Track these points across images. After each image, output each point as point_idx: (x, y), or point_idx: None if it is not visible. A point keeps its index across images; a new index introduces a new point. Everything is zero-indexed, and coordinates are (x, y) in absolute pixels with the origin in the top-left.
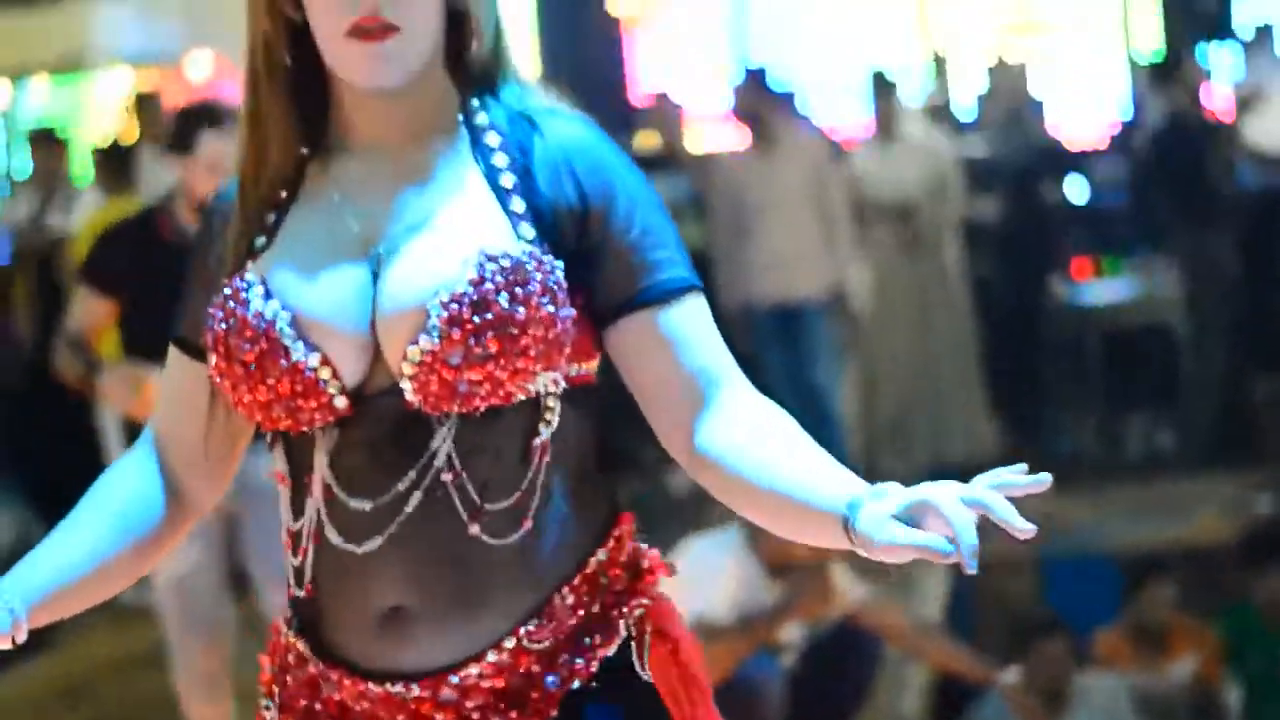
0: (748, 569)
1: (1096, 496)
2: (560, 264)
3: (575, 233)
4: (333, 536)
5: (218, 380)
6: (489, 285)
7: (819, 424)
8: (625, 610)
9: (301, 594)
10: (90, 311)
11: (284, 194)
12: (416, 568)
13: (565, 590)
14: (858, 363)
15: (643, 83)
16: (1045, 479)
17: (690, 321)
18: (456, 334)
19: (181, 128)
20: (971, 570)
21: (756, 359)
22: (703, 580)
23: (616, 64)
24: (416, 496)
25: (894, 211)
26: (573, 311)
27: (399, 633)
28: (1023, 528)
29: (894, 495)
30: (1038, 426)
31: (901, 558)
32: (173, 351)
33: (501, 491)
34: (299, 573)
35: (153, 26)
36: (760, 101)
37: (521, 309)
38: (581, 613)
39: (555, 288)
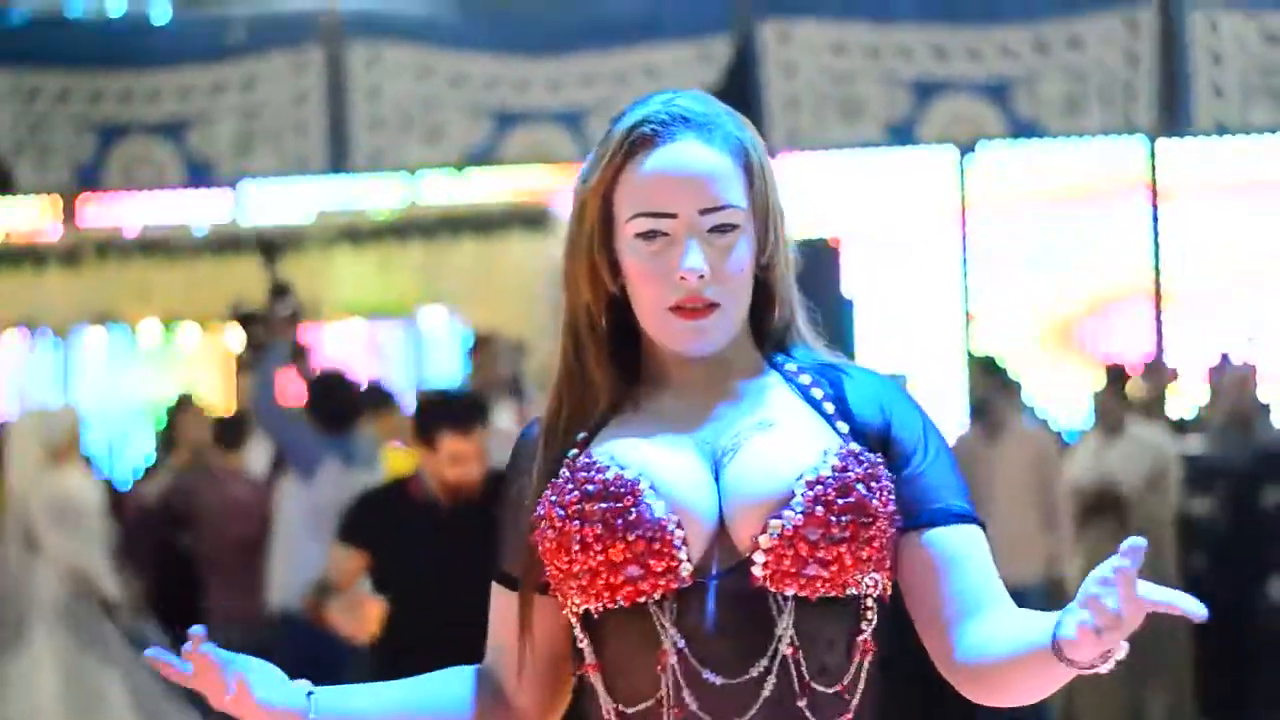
0: None
1: None
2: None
3: (879, 453)
4: (692, 704)
5: (562, 552)
6: (850, 474)
7: (1027, 715)
8: None
9: None
10: (344, 562)
11: (593, 424)
12: None
13: None
14: None
15: (869, 362)
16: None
17: (967, 546)
18: (820, 512)
19: (423, 422)
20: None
21: None
22: None
23: (847, 342)
24: (770, 681)
25: (1112, 504)
26: (900, 518)
27: None
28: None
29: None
30: None
31: (1092, 647)
32: (497, 589)
33: (831, 677)
34: None
35: (388, 280)
36: (989, 389)
37: (876, 500)
38: None
39: (892, 492)
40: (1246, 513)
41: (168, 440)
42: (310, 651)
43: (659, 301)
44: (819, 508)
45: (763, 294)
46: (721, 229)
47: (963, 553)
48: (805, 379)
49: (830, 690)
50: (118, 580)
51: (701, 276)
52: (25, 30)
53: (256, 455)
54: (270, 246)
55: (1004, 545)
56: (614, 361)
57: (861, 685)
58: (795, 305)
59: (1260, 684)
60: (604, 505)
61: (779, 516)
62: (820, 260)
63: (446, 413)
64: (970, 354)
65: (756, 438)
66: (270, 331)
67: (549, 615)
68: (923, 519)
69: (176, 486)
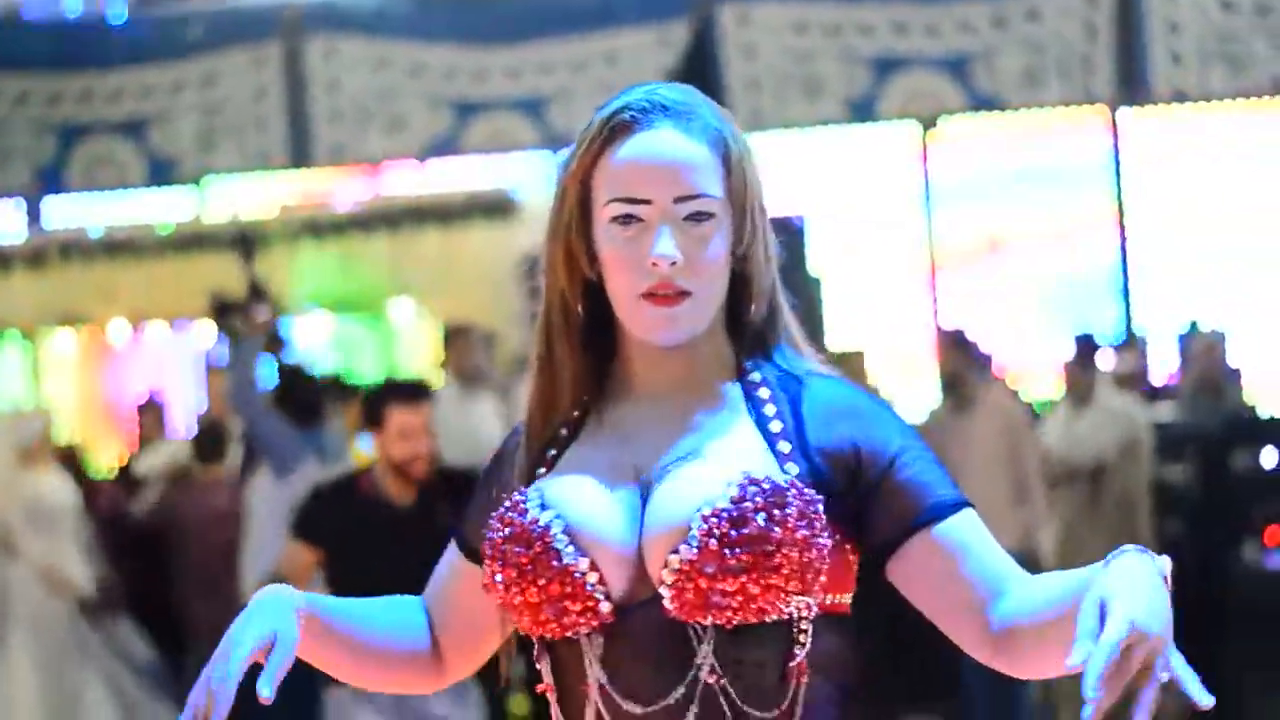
0: None
1: None
2: (821, 499)
3: (846, 477)
4: None
5: (492, 584)
6: (748, 504)
7: (1009, 681)
8: None
9: None
10: (297, 557)
11: (564, 432)
12: None
13: None
14: None
15: (837, 339)
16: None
17: (971, 531)
18: (713, 545)
19: (370, 406)
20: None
21: None
22: None
23: (816, 321)
24: (693, 710)
25: (1084, 473)
26: (829, 541)
27: None
28: (1200, 698)
29: (1109, 581)
30: (1224, 693)
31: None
32: (451, 545)
33: (763, 703)
34: None
35: (353, 273)
36: (959, 362)
37: (778, 529)
38: None
39: (813, 515)
40: (1218, 478)
41: (139, 441)
42: None
43: (632, 288)
44: (712, 541)
45: (741, 287)
46: (697, 218)
47: (971, 538)
48: (764, 393)
49: (766, 715)
50: (93, 580)
51: (674, 264)
52: None
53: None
54: (247, 244)
55: None
56: (587, 353)
57: (801, 708)
58: (778, 300)
59: (1235, 646)
60: (518, 549)
61: (676, 551)
62: (786, 239)
63: (392, 390)
64: (939, 328)
65: (682, 468)
66: (248, 328)
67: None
68: (924, 518)
69: (158, 505)
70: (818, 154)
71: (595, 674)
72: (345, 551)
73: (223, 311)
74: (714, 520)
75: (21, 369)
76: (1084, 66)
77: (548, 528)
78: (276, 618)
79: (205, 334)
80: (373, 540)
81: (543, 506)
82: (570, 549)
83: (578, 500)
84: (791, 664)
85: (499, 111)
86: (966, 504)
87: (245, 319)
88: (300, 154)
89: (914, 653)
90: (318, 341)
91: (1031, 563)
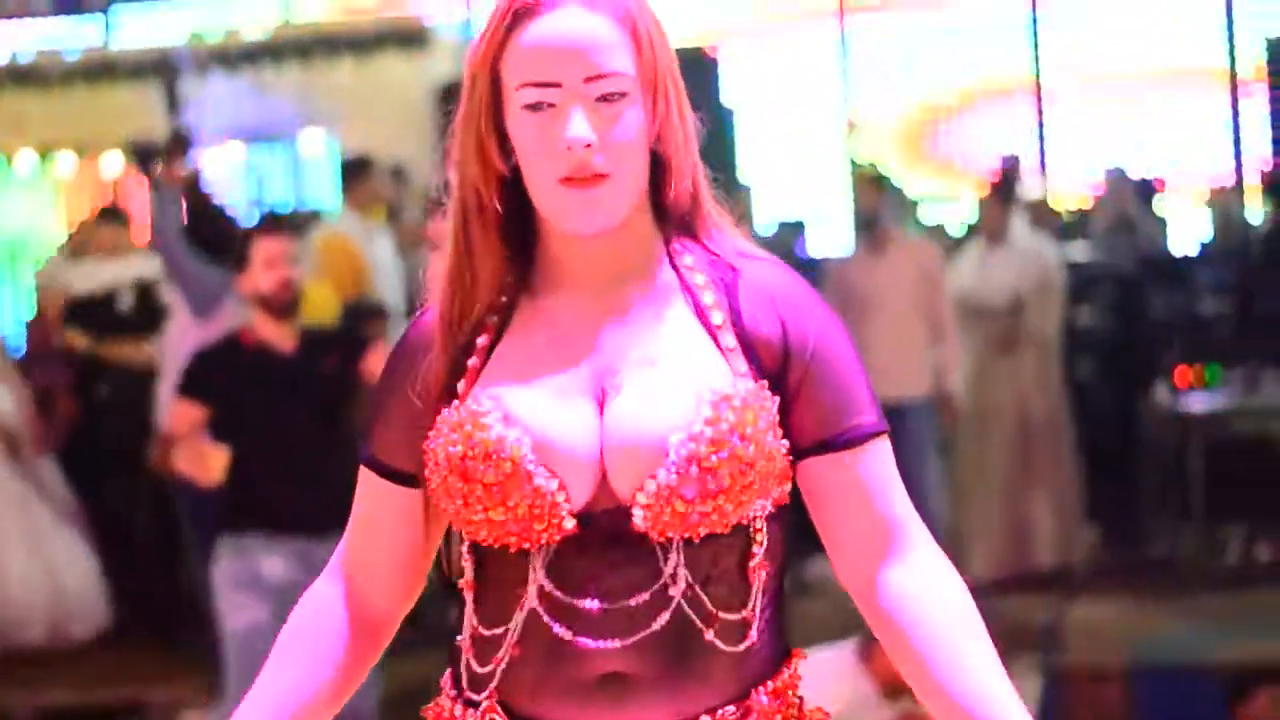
0: (859, 689)
1: (1194, 606)
2: (775, 400)
3: (776, 367)
4: (563, 634)
5: (446, 498)
6: (724, 424)
7: None
8: None
9: (485, 700)
10: (184, 416)
11: (494, 319)
12: (638, 649)
13: (764, 689)
14: (955, 463)
15: (750, 171)
16: None
17: (877, 467)
18: (694, 471)
19: (241, 242)
20: None
21: None
22: (808, 700)
23: (728, 152)
24: (663, 617)
25: (996, 313)
26: (785, 442)
27: (615, 694)
28: None
29: None
30: (1135, 533)
31: None
32: (365, 474)
33: (731, 605)
34: (487, 678)
35: (264, 104)
36: (873, 203)
37: (752, 447)
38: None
39: (774, 421)
40: (1131, 318)
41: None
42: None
43: (548, 174)
44: (692, 466)
45: (662, 170)
46: (608, 98)
47: (877, 474)
48: (699, 279)
49: (735, 616)
50: (19, 417)
51: (589, 145)
52: None
53: None
54: (171, 90)
55: (891, 360)
56: (506, 246)
57: (762, 603)
58: (700, 181)
59: (1145, 486)
60: (483, 468)
61: (655, 476)
62: (699, 70)
63: (258, 225)
64: (853, 163)
65: (638, 379)
66: (170, 176)
67: (423, 509)
68: (836, 441)
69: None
70: None
71: (538, 578)
72: (232, 406)
73: (143, 157)
74: (691, 445)
75: None
76: None
77: (518, 445)
78: None
79: (114, 165)
80: (259, 392)
81: (507, 423)
82: (540, 470)
83: (541, 413)
84: (752, 563)
85: None
86: (882, 431)
87: (167, 167)
88: None
89: None
90: (230, 173)
91: (944, 403)
